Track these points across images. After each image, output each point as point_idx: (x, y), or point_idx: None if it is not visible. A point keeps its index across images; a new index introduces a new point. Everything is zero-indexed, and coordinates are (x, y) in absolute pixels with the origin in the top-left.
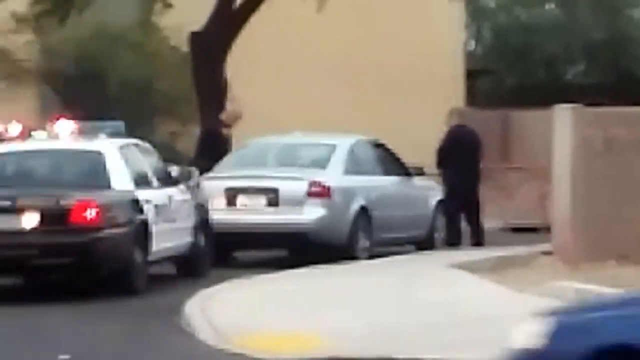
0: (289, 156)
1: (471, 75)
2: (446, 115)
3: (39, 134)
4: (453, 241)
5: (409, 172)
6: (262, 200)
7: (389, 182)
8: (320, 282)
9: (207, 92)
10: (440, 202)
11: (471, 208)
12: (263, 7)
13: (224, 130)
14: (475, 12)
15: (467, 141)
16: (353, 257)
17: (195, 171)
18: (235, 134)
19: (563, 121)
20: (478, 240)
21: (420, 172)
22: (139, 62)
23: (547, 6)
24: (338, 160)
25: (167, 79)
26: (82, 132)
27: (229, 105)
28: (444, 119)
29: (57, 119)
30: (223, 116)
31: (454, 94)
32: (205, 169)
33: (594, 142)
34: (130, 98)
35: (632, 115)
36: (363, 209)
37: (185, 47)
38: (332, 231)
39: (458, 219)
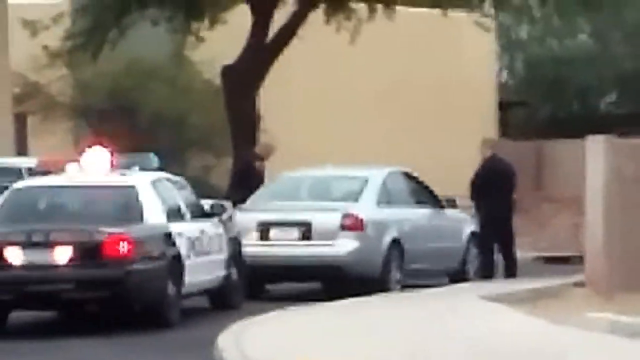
0: (322, 189)
1: (504, 106)
2: (480, 146)
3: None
4: (486, 273)
5: (441, 204)
6: (295, 233)
7: (421, 214)
8: (354, 315)
9: (240, 125)
10: (472, 233)
11: (505, 239)
12: (295, 41)
13: (257, 164)
14: (507, 44)
15: (501, 172)
16: (386, 289)
17: (228, 204)
18: (269, 167)
19: (596, 152)
20: (511, 271)
21: (452, 204)
22: (171, 96)
23: (579, 37)
24: (371, 193)
25: (200, 112)
26: (117, 166)
27: (262, 138)
28: (478, 150)
29: (90, 147)
30: (257, 149)
31: (487, 125)
32: (239, 201)
33: (627, 173)
34: (163, 132)
35: None
36: (396, 241)
37: (217, 81)
38: (366, 264)
39: (491, 251)
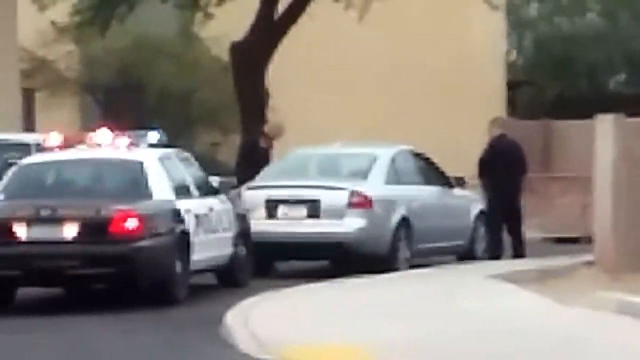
0: (330, 166)
1: (512, 85)
2: (488, 125)
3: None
4: (494, 252)
5: (450, 183)
6: (302, 210)
7: (430, 193)
8: (362, 293)
9: (248, 102)
10: (481, 212)
11: (513, 218)
12: (304, 17)
13: (263, 142)
14: (516, 22)
15: (508, 151)
16: (394, 268)
17: (235, 181)
18: (278, 144)
19: (604, 131)
20: (519, 251)
21: (461, 183)
22: (179, 72)
23: (588, 16)
24: (379, 171)
25: (207, 89)
26: (133, 145)
27: (271, 116)
28: (486, 129)
29: (101, 128)
30: (266, 129)
31: (496, 104)
32: (246, 179)
33: (636, 152)
34: (171, 108)
35: None
36: (404, 220)
37: (226, 57)
38: (373, 242)
39: (499, 230)
